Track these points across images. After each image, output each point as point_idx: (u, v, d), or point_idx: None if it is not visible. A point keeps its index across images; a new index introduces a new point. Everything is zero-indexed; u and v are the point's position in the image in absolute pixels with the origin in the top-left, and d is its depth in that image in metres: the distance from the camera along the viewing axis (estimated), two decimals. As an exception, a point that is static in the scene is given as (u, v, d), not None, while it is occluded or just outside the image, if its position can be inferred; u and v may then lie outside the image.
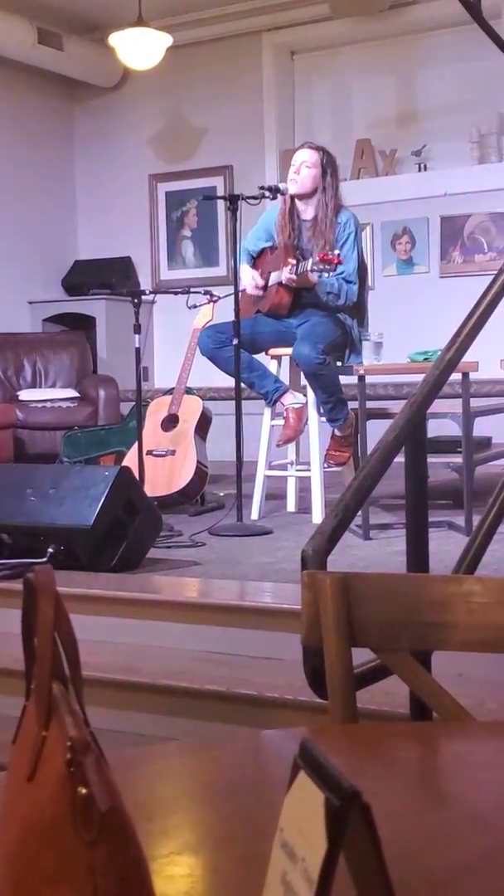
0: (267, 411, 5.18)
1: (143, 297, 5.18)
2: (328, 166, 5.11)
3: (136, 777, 1.14)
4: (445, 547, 3.87)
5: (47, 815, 0.77)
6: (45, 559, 3.84)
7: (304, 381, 5.07)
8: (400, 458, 2.22)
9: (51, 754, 0.80)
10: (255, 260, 5.38)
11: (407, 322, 7.38)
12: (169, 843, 0.97)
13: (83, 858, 0.74)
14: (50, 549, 3.84)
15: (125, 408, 7.01)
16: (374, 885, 0.66)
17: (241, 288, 5.07)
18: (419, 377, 2.29)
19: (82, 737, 0.76)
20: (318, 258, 4.74)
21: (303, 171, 5.11)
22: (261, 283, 5.22)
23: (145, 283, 8.99)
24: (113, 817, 0.73)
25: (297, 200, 5.17)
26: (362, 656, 1.59)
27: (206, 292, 5.52)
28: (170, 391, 5.71)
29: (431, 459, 4.85)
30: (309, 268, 4.83)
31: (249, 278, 5.24)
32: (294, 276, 4.96)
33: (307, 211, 5.17)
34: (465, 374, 4.57)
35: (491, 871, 0.90)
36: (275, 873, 0.69)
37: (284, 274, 5.02)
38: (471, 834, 0.99)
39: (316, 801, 0.65)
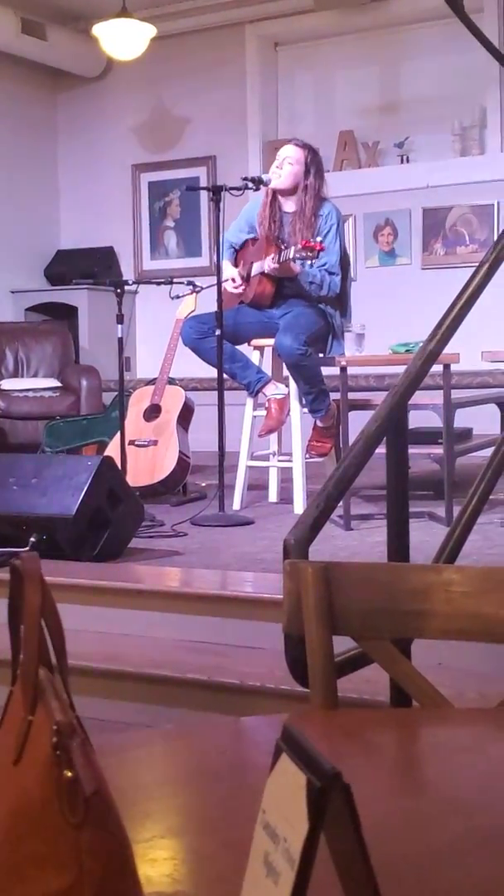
0: (249, 402, 5.19)
1: (126, 287, 5.18)
2: (312, 165, 5.12)
3: (120, 762, 1.15)
4: (426, 537, 3.89)
5: (34, 797, 0.79)
6: (27, 548, 3.85)
7: (286, 372, 5.09)
8: (381, 450, 2.24)
9: (37, 738, 0.81)
10: (238, 252, 5.38)
11: (389, 313, 7.41)
12: (152, 827, 0.99)
13: (69, 840, 0.75)
14: (32, 538, 3.85)
15: (107, 398, 7.01)
16: (354, 866, 0.67)
17: (223, 280, 5.08)
18: (401, 368, 2.31)
19: (68, 721, 0.78)
20: (300, 245, 4.75)
21: (285, 167, 5.12)
22: (240, 281, 5.22)
23: (128, 272, 8.98)
24: (98, 800, 0.75)
25: (280, 194, 5.18)
26: (343, 645, 1.61)
27: (189, 283, 5.52)
28: (152, 381, 5.71)
29: (412, 450, 4.86)
30: (291, 255, 4.84)
31: (229, 278, 5.24)
32: (277, 265, 4.97)
33: (288, 203, 5.18)
34: (447, 366, 4.59)
35: (464, 854, 0.92)
36: (257, 854, 0.70)
37: (267, 263, 5.02)
38: (447, 818, 1.01)
39: (297, 783, 0.66)
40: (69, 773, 0.75)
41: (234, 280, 5.22)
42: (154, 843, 0.95)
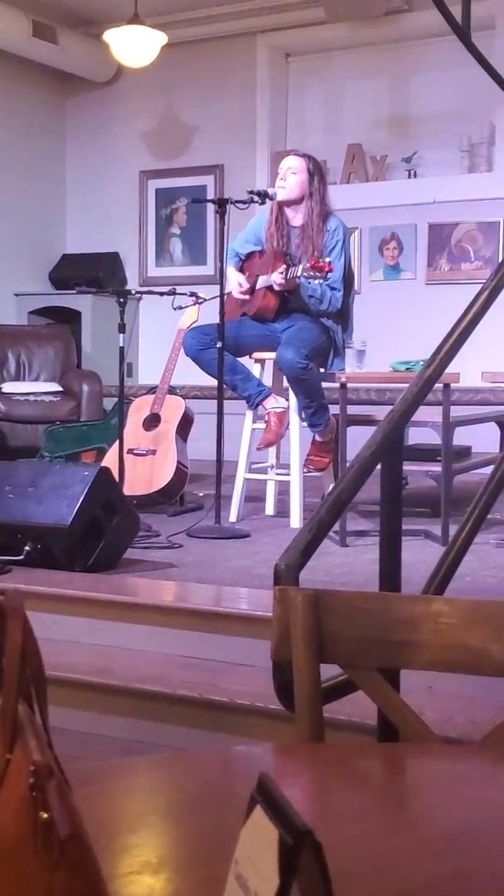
0: (248, 414, 5.20)
1: (129, 295, 5.19)
2: (315, 172, 5.14)
3: (101, 792, 1.15)
4: (421, 556, 3.89)
5: (9, 836, 0.79)
6: (21, 557, 3.85)
7: (286, 385, 5.09)
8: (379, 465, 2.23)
9: (14, 777, 0.81)
10: (243, 263, 5.39)
11: (392, 327, 7.42)
12: (129, 862, 0.99)
13: (43, 880, 0.75)
14: (27, 547, 3.85)
15: (108, 403, 7.02)
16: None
17: (226, 291, 5.09)
18: (401, 385, 2.32)
19: (46, 762, 0.78)
20: (309, 265, 4.75)
21: (289, 177, 5.13)
22: (246, 286, 5.23)
23: (132, 278, 9.00)
24: (73, 843, 0.75)
25: (285, 207, 5.19)
26: (332, 670, 1.61)
27: (192, 294, 5.53)
28: (152, 390, 5.72)
29: (411, 467, 4.91)
30: (299, 274, 4.85)
31: (236, 283, 5.26)
32: (284, 281, 4.97)
33: (296, 217, 5.19)
34: (447, 385, 4.59)
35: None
36: (229, 904, 0.70)
37: (274, 277, 5.03)
38: (427, 859, 1.01)
39: (270, 837, 0.66)
40: (45, 815, 0.75)
41: (241, 284, 5.23)
42: (131, 880, 0.95)
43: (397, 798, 1.25)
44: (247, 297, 5.23)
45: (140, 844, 1.05)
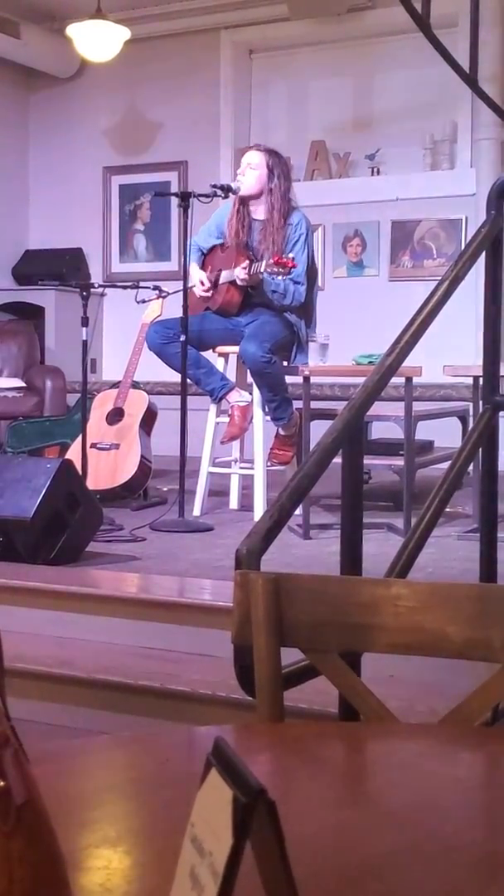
0: (212, 408, 5.20)
1: (93, 290, 5.18)
2: (274, 167, 5.14)
3: (61, 770, 1.15)
4: (383, 549, 3.90)
5: (-35, 805, 0.79)
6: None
7: (250, 380, 5.10)
8: (340, 459, 2.24)
9: (-30, 746, 0.81)
10: (206, 256, 5.39)
11: (355, 324, 7.44)
12: (88, 836, 0.99)
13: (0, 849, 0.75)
14: (-11, 540, 3.83)
15: (71, 399, 7.00)
16: (278, 880, 0.68)
17: (189, 285, 5.09)
18: (363, 379, 2.32)
19: (2, 730, 0.78)
20: (272, 261, 4.76)
21: (248, 172, 5.15)
22: (208, 286, 5.23)
23: (96, 274, 8.97)
24: (29, 810, 0.75)
25: (248, 200, 5.20)
26: (293, 656, 1.62)
27: (155, 287, 5.53)
28: (116, 384, 5.71)
29: (374, 461, 4.93)
30: (262, 269, 4.85)
31: (198, 280, 5.26)
32: (247, 277, 4.98)
33: (258, 211, 5.20)
34: (409, 379, 4.62)
35: (396, 870, 0.93)
36: (184, 866, 0.71)
37: (237, 272, 5.03)
38: (383, 833, 1.02)
39: (225, 798, 0.67)
40: (0, 783, 0.75)
41: (202, 283, 5.24)
42: (89, 853, 0.95)
43: (356, 774, 1.26)
44: (209, 294, 5.23)
45: (98, 819, 1.06)
